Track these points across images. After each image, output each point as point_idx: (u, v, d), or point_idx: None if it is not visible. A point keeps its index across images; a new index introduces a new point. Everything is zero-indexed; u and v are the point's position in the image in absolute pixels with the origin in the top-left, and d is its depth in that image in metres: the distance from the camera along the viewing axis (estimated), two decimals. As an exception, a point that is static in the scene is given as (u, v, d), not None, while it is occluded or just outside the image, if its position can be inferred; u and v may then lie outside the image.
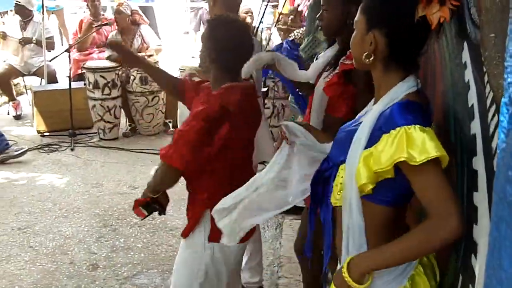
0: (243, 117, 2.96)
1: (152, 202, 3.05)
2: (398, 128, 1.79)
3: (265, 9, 6.91)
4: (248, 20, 8.16)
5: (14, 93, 8.81)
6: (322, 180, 2.15)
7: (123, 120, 7.98)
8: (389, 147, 1.79)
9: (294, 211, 5.01)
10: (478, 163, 1.69)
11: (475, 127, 1.67)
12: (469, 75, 1.67)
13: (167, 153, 2.76)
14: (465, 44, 1.66)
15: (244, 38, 3.01)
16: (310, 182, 2.24)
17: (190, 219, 3.03)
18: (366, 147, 1.87)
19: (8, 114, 8.71)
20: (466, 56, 1.66)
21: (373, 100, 2.07)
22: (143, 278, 4.56)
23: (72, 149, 7.24)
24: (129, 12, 8.15)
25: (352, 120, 2.11)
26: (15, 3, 8.65)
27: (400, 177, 1.83)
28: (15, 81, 9.08)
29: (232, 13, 3.62)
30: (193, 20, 12.62)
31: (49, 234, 5.19)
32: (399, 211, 1.99)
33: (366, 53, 1.94)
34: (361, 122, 1.97)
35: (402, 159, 1.76)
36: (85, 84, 7.69)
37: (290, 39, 6.21)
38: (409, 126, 1.77)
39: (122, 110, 7.86)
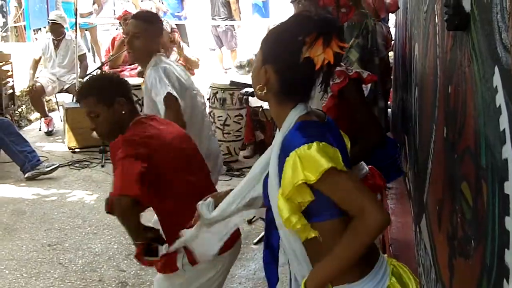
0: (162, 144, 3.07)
1: (147, 245, 3.06)
2: (291, 154, 1.93)
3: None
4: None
5: (46, 109, 8.92)
6: (268, 228, 2.31)
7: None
8: (288, 174, 1.93)
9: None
10: (510, 187, 1.67)
11: (507, 151, 1.65)
12: (500, 99, 1.65)
13: (114, 191, 2.88)
14: (496, 69, 1.65)
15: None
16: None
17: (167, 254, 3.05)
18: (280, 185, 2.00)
19: (40, 130, 8.82)
20: (497, 81, 1.65)
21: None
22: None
23: (102, 166, 7.30)
24: (169, 30, 8.21)
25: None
26: (51, 22, 8.78)
27: (318, 193, 1.96)
28: (47, 97, 9.18)
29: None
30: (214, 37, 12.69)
31: (79, 251, 5.22)
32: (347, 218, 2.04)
33: (259, 85, 2.09)
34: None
35: (300, 181, 1.90)
36: (117, 101, 7.75)
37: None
38: (299, 148, 1.92)
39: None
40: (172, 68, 4.06)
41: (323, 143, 1.93)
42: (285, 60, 2.04)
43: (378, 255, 2.14)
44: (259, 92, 2.11)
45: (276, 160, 2.04)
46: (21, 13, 11.85)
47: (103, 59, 11.50)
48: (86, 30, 12.84)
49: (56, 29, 8.88)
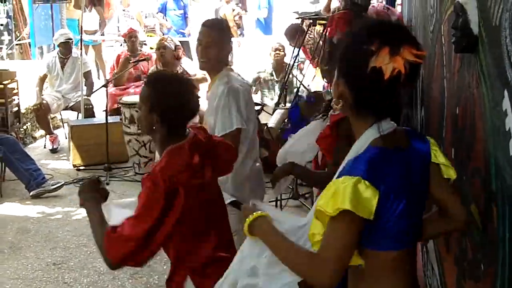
0: (196, 182, 2.86)
1: None
2: (335, 180, 1.93)
3: (300, 45, 6.98)
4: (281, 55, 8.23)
5: (51, 127, 8.94)
6: None
7: (158, 155, 8.00)
8: (321, 195, 1.96)
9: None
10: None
11: (517, 176, 1.65)
12: (510, 123, 1.65)
13: (110, 240, 2.77)
14: (506, 93, 1.64)
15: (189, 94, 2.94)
16: None
17: None
18: None
19: (45, 147, 8.82)
20: (506, 104, 1.64)
21: None
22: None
23: (107, 183, 7.29)
24: (173, 47, 8.24)
25: None
26: (65, 41, 8.83)
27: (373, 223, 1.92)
28: (52, 114, 9.19)
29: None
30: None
31: (84, 270, 5.20)
32: (398, 255, 2.01)
33: (335, 99, 2.08)
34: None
35: (319, 208, 1.92)
36: (121, 119, 7.78)
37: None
38: (343, 178, 1.89)
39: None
40: (243, 89, 3.94)
41: (366, 182, 1.88)
42: (352, 72, 1.99)
43: None
44: (335, 106, 2.10)
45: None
46: (26, 31, 11.92)
47: (108, 76, 11.56)
48: (92, 47, 12.89)
49: (69, 48, 8.93)
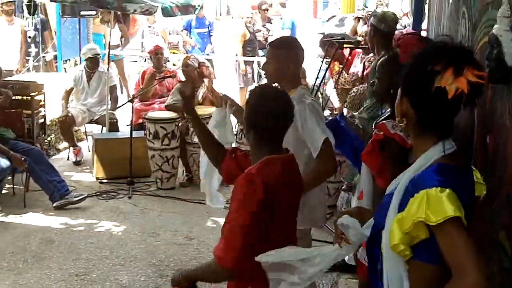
0: (284, 194, 2.87)
1: None
2: (421, 191, 1.95)
3: (321, 67, 7.03)
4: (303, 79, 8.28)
5: (75, 139, 9.05)
6: (370, 246, 2.32)
7: (181, 170, 8.09)
8: (412, 209, 1.95)
9: (349, 269, 5.03)
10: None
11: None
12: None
13: (220, 253, 2.72)
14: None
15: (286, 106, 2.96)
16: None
17: None
18: (399, 211, 2.02)
19: (68, 159, 8.91)
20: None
21: None
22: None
23: (129, 197, 7.37)
24: (196, 65, 8.34)
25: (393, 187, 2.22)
26: (93, 55, 8.97)
27: (433, 237, 1.96)
28: (76, 127, 9.30)
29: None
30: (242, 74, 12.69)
31: (106, 282, 5.27)
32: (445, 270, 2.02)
33: (399, 118, 2.16)
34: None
35: (421, 219, 1.92)
36: (145, 134, 7.87)
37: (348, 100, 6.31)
38: (431, 189, 1.93)
39: (180, 160, 7.98)
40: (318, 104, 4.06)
41: (454, 193, 1.94)
42: (417, 91, 2.06)
43: None
44: (400, 125, 2.16)
45: (402, 191, 2.05)
46: (52, 44, 12.06)
47: (130, 91, 11.68)
48: (112, 61, 13.02)
49: (96, 62, 9.09)
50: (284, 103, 2.96)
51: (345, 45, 6.14)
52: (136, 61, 16.77)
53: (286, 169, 2.90)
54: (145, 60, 17.17)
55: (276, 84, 3.95)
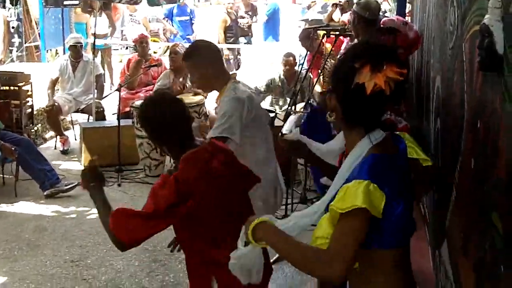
0: (211, 188, 3.05)
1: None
2: (345, 185, 2.12)
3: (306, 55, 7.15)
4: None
5: (62, 128, 9.11)
6: None
7: (168, 158, 8.17)
8: (336, 198, 2.14)
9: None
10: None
11: None
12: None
13: (118, 222, 3.04)
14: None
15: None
16: None
17: None
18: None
19: (55, 148, 8.98)
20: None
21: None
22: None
23: (119, 185, 7.47)
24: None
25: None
26: (74, 44, 9.00)
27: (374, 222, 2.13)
28: (63, 116, 9.35)
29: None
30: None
31: (101, 268, 5.38)
32: (398, 252, 2.26)
33: (329, 112, 2.32)
34: None
35: (332, 207, 2.11)
36: (133, 122, 7.96)
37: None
38: (353, 183, 2.09)
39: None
40: (248, 97, 4.12)
41: (374, 185, 2.09)
42: (340, 87, 2.22)
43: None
44: (329, 119, 2.31)
45: (339, 182, 2.20)
46: (37, 34, 12.07)
47: (116, 80, 11.73)
48: (99, 50, 13.05)
49: (78, 51, 9.11)
50: (167, 106, 3.15)
51: (331, 33, 6.25)
52: (117, 49, 16.79)
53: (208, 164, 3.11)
54: (126, 48, 17.24)
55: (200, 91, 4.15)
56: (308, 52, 7.72)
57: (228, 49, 12.64)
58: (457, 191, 2.97)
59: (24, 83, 8.30)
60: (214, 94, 8.62)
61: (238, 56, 13.20)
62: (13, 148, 6.78)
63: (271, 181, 4.31)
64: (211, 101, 9.26)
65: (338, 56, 5.50)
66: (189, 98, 7.99)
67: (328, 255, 2.08)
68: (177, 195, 2.93)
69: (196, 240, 3.12)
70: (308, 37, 7.64)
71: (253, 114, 4.07)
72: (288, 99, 7.83)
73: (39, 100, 9.08)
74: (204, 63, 4.09)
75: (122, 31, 15.94)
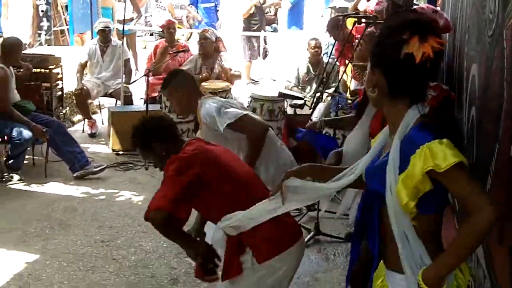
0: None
1: (206, 263, 3.39)
2: (421, 147, 2.15)
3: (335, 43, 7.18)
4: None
5: (90, 112, 9.21)
6: (367, 211, 2.49)
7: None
8: (418, 163, 2.15)
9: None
10: None
11: None
12: None
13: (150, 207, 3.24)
14: None
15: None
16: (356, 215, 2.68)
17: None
18: (400, 173, 2.22)
19: (83, 132, 9.09)
20: None
21: (387, 130, 2.44)
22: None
23: (146, 169, 7.55)
24: (214, 39, 8.50)
25: (375, 154, 2.48)
26: (103, 29, 9.09)
27: (438, 186, 2.18)
28: (90, 100, 9.45)
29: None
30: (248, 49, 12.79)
31: (131, 248, 5.47)
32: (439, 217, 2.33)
33: (370, 88, 2.36)
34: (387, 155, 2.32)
35: (430, 168, 2.12)
36: (161, 108, 8.03)
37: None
38: (430, 143, 2.14)
39: (194, 133, 8.14)
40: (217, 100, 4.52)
41: (449, 141, 2.16)
42: (387, 60, 2.27)
43: None
44: (371, 95, 2.36)
45: (397, 155, 2.23)
46: (63, 18, 12.17)
47: (140, 66, 11.80)
48: (124, 36, 13.12)
49: (107, 36, 9.20)
50: (154, 123, 3.62)
51: (363, 20, 6.25)
52: (141, 36, 16.86)
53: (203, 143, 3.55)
54: (151, 35, 17.33)
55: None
56: (336, 42, 7.74)
57: (253, 37, 12.66)
58: (493, 179, 3.00)
59: (54, 65, 8.41)
60: (240, 82, 8.71)
61: (265, 45, 13.21)
62: (44, 130, 6.89)
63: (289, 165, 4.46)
64: (237, 88, 9.38)
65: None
66: (215, 84, 8.07)
67: (477, 211, 2.10)
68: (180, 168, 3.25)
69: (217, 212, 3.33)
70: (336, 26, 7.65)
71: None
72: (315, 86, 7.90)
73: (67, 84, 9.17)
74: (177, 89, 4.49)
75: (146, 17, 16.03)
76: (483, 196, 2.12)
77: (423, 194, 2.19)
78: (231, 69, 8.63)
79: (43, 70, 8.23)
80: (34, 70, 7.90)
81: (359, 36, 7.39)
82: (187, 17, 15.58)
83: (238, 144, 4.38)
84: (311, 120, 5.71)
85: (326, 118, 5.36)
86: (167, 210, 3.15)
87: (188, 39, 15.18)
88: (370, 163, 2.48)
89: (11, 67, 7.18)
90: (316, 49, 8.58)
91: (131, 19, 12.58)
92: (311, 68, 8.66)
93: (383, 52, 2.28)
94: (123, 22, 9.35)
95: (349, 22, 7.72)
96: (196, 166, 3.27)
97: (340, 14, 7.19)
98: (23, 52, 7.98)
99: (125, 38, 12.28)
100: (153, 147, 3.51)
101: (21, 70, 7.57)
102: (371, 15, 6.32)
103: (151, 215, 3.21)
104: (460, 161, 2.11)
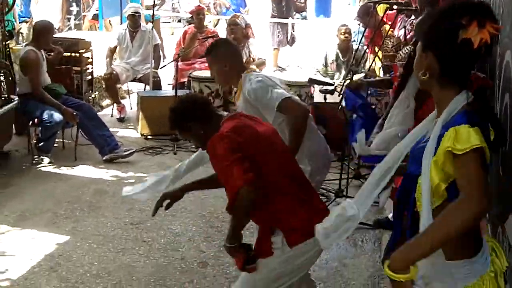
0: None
1: (248, 254, 3.33)
2: (450, 129, 2.15)
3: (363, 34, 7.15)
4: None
5: (119, 96, 9.29)
6: (405, 193, 2.47)
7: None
8: (443, 144, 2.15)
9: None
10: None
11: None
12: None
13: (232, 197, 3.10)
14: None
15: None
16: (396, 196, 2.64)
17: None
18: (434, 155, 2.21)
19: (112, 116, 9.17)
20: None
21: (434, 114, 2.39)
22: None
23: (175, 153, 7.61)
24: (243, 25, 8.52)
25: (418, 137, 2.45)
26: (133, 13, 9.14)
27: None
28: (119, 85, 9.52)
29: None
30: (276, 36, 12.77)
31: (160, 231, 5.52)
32: None
33: (421, 72, 2.31)
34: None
35: (449, 148, 2.11)
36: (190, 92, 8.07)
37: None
38: (460, 126, 2.13)
39: (223, 110, 8.16)
40: (264, 77, 4.32)
41: (478, 129, 2.13)
42: (443, 44, 2.23)
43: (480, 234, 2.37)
44: (422, 78, 2.32)
45: (436, 138, 2.22)
46: (91, 2, 12.26)
47: (165, 52, 11.84)
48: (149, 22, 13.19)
49: (136, 21, 9.25)
50: (190, 103, 3.51)
51: (394, 7, 6.23)
52: (168, 22, 16.91)
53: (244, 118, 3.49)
54: (178, 21, 17.37)
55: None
56: (367, 29, 7.71)
57: (280, 23, 12.64)
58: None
59: (85, 50, 8.48)
60: (266, 69, 8.72)
61: (293, 32, 13.18)
62: (74, 113, 6.97)
63: (323, 155, 4.49)
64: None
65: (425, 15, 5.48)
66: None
67: (469, 196, 2.08)
68: (231, 144, 3.17)
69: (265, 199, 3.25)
70: (367, 13, 7.61)
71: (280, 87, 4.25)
72: (344, 73, 7.90)
73: (97, 69, 9.24)
74: (221, 60, 4.30)
75: (173, 3, 16.07)
76: (481, 186, 2.08)
77: (453, 180, 2.18)
78: (254, 59, 8.64)
79: (73, 54, 8.30)
80: (64, 54, 7.96)
81: (390, 23, 7.38)
82: (214, 3, 15.61)
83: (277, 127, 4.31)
84: (340, 106, 5.73)
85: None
86: (251, 180, 3.06)
87: (215, 26, 15.21)
88: (414, 145, 2.46)
89: (42, 51, 7.26)
90: (346, 35, 8.58)
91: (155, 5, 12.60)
92: (340, 54, 8.65)
93: (438, 36, 2.26)
94: (153, 7, 9.39)
95: (380, 9, 7.70)
96: (242, 139, 3.23)
97: (371, 1, 7.13)
98: (54, 36, 8.04)
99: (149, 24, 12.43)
100: (191, 127, 3.47)
101: (52, 53, 7.65)
102: (403, 2, 6.29)
103: (243, 192, 3.05)
104: (480, 146, 2.09)
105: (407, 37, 7.37)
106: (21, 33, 10.57)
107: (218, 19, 15.87)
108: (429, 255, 2.13)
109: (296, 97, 4.46)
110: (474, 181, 2.09)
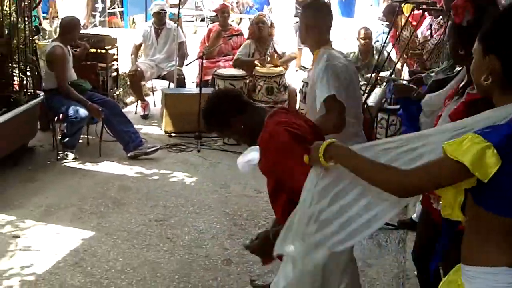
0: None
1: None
2: (469, 134, 2.03)
3: (389, 31, 7.12)
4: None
5: (143, 93, 9.32)
6: None
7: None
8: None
9: (416, 226, 5.19)
10: None
11: None
12: None
13: None
14: None
15: None
16: None
17: None
18: None
19: (136, 113, 9.19)
20: None
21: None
22: (275, 277, 4.79)
23: (198, 151, 7.61)
24: (269, 24, 8.51)
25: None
26: (158, 11, 9.17)
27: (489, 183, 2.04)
28: (144, 82, 9.55)
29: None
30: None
31: (184, 228, 5.53)
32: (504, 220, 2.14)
33: (484, 76, 2.16)
34: None
35: (445, 145, 2.05)
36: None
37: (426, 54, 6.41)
38: (475, 136, 2.00)
39: (252, 93, 8.14)
40: (341, 66, 4.09)
41: (493, 150, 1.99)
42: (509, 48, 2.12)
43: None
44: (484, 83, 2.18)
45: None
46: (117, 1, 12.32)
47: (189, 50, 11.84)
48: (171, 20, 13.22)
49: (162, 18, 9.28)
50: (223, 98, 3.32)
51: (421, 7, 6.19)
52: (191, 21, 16.96)
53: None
54: (202, 20, 17.41)
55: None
56: (392, 28, 7.68)
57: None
58: None
59: (110, 46, 8.52)
60: (290, 69, 8.68)
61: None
62: (100, 109, 7.00)
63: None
64: (290, 73, 9.38)
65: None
66: (269, 69, 8.09)
67: (411, 177, 2.11)
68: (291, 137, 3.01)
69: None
70: (393, 12, 7.58)
71: (347, 82, 4.07)
72: (364, 75, 7.86)
73: (121, 65, 9.28)
74: (312, 22, 4.15)
75: (196, 2, 16.11)
76: (428, 183, 2.11)
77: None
78: (284, 53, 8.63)
79: (99, 50, 8.35)
80: (90, 50, 8.00)
81: (415, 23, 7.34)
82: (237, 2, 15.64)
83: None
84: (367, 104, 5.68)
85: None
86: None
87: (238, 24, 15.22)
88: None
89: (68, 46, 7.29)
90: (367, 40, 8.52)
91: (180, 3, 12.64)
92: (360, 57, 8.62)
93: (505, 39, 2.14)
94: (179, 5, 9.42)
95: (406, 9, 7.66)
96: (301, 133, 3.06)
97: (397, 0, 7.09)
98: (80, 32, 8.08)
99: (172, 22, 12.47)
100: (230, 123, 3.25)
101: (78, 49, 7.69)
102: (429, 1, 6.25)
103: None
104: (465, 165, 1.99)
105: (434, 36, 7.32)
106: (44, 29, 10.66)
107: (241, 18, 15.88)
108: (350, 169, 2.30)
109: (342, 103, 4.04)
110: (425, 175, 2.09)
